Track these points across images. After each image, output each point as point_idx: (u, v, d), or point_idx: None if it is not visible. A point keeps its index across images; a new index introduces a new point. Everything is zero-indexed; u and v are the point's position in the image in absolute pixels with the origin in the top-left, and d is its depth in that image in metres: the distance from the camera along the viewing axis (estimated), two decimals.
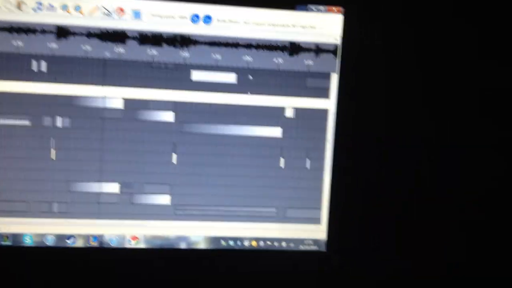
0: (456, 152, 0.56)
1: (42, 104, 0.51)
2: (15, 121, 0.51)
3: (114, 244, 0.53)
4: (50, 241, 0.52)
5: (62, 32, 0.51)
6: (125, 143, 0.52)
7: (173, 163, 0.53)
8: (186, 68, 0.53)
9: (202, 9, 0.52)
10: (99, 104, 0.52)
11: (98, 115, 0.52)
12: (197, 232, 0.54)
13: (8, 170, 0.51)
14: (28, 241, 0.52)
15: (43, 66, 0.51)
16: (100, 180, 0.52)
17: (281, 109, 0.54)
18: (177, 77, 0.53)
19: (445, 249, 0.58)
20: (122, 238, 0.53)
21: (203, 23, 0.52)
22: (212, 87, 0.53)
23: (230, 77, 0.53)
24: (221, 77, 0.53)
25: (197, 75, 0.53)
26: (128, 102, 0.52)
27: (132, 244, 0.53)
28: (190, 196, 0.53)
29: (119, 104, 0.52)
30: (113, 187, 0.52)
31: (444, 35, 0.55)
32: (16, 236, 0.52)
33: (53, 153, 0.52)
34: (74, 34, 0.51)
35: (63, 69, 0.51)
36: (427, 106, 0.56)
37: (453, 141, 0.56)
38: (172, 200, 0.53)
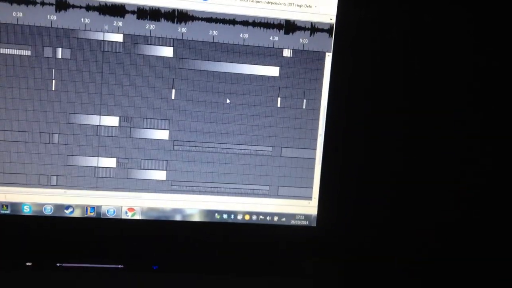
0: (452, 131, 0.58)
1: (44, 34, 0.51)
2: (17, 51, 0.51)
3: (111, 215, 0.54)
4: (48, 211, 0.53)
5: (61, 4, 0.51)
6: (124, 77, 0.53)
7: (171, 98, 0.54)
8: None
9: None
10: (100, 37, 0.52)
11: (98, 48, 0.52)
12: (192, 205, 0.55)
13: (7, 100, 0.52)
14: (27, 210, 0.53)
15: None
16: (99, 113, 0.53)
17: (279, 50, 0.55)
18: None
19: (433, 228, 0.60)
20: (119, 209, 0.55)
21: None
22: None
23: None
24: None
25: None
26: (127, 36, 0.53)
27: (129, 216, 0.55)
28: (187, 133, 0.55)
29: (119, 38, 0.53)
30: (113, 121, 0.53)
31: (440, 17, 0.56)
32: (15, 205, 0.53)
33: (53, 84, 0.52)
34: (73, 6, 0.52)
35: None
36: (418, 84, 0.57)
37: (446, 113, 0.58)
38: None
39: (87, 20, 0.52)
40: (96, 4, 0.52)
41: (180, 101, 0.54)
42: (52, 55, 0.52)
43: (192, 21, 0.53)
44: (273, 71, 0.55)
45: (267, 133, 0.56)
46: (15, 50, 0.51)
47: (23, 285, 0.49)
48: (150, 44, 0.53)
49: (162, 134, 0.54)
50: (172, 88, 0.54)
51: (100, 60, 0.52)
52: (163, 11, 0.53)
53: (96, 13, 0.52)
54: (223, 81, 0.54)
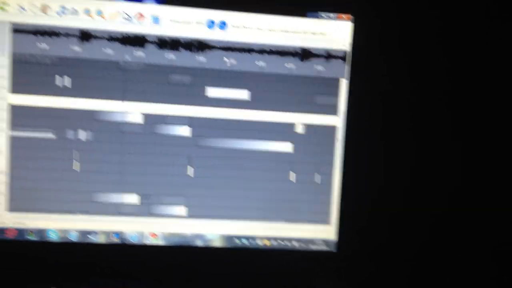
0: (465, 156, 0.59)
1: (66, 117, 0.54)
2: (40, 134, 0.53)
3: (134, 241, 0.56)
4: (73, 237, 0.55)
5: (84, 35, 0.53)
6: (144, 156, 0.55)
7: (188, 175, 0.56)
8: (201, 84, 0.55)
9: (218, 15, 0.55)
10: (120, 118, 0.54)
11: (119, 129, 0.54)
12: (212, 231, 0.56)
13: (33, 180, 0.54)
14: (52, 236, 0.55)
15: (67, 81, 0.53)
16: (120, 191, 0.55)
17: (291, 125, 0.56)
18: (193, 93, 0.55)
19: (453, 249, 0.60)
20: (142, 235, 0.56)
21: (218, 28, 0.55)
22: (226, 103, 0.55)
23: (243, 94, 0.55)
24: (235, 94, 0.55)
25: (212, 92, 0.55)
26: (147, 117, 0.54)
27: (151, 241, 0.56)
28: (204, 208, 0.56)
29: (138, 119, 0.54)
30: (132, 198, 0.55)
31: (454, 40, 0.57)
32: (41, 231, 0.55)
33: (76, 165, 0.54)
34: (96, 37, 0.53)
35: (86, 84, 0.53)
36: (435, 111, 0.58)
37: (464, 145, 0.59)
38: (188, 211, 0.56)
39: (110, 51, 0.54)
40: (118, 35, 0.54)
41: (197, 178, 0.56)
42: (74, 137, 0.54)
43: (210, 49, 0.55)
44: (286, 146, 0.56)
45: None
46: (39, 133, 0.53)
47: None
48: (168, 124, 0.55)
49: (180, 210, 0.56)
50: (188, 165, 0.55)
51: (120, 141, 0.54)
52: (182, 41, 0.54)
53: (118, 43, 0.54)
54: (238, 156, 0.56)
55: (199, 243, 0.56)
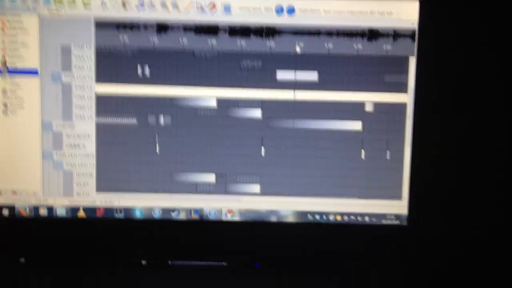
0: None
1: (146, 104, 0.58)
2: (124, 120, 0.58)
3: (212, 217, 0.59)
4: (157, 214, 0.59)
5: (161, 27, 0.57)
6: (219, 138, 0.58)
7: (261, 155, 0.58)
8: (271, 68, 0.57)
9: (286, 1, 0.57)
10: (196, 103, 0.58)
11: (195, 113, 0.58)
12: (285, 207, 0.59)
13: (119, 163, 0.58)
14: (138, 214, 0.59)
15: (147, 70, 0.57)
16: (198, 171, 0.58)
17: (361, 104, 0.58)
18: (264, 77, 0.57)
19: None
20: (219, 211, 0.59)
21: (286, 14, 0.57)
22: (296, 85, 0.57)
23: (312, 76, 0.57)
24: (304, 76, 0.57)
25: (282, 75, 0.57)
26: (220, 101, 0.58)
27: (228, 217, 0.59)
28: (277, 185, 0.59)
29: (213, 103, 0.58)
30: (210, 177, 0.59)
31: None
32: (127, 210, 0.59)
33: (157, 148, 0.58)
34: (172, 28, 0.57)
35: (164, 73, 0.57)
36: (506, 86, 0.58)
37: None
38: (262, 189, 0.59)
39: (185, 40, 0.57)
40: (192, 25, 0.57)
41: (270, 157, 0.58)
42: (155, 122, 0.58)
43: (279, 34, 0.57)
44: (356, 125, 0.58)
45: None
46: (123, 119, 0.58)
47: (140, 281, 0.55)
48: (241, 107, 0.58)
49: (254, 188, 0.59)
50: (261, 146, 0.58)
51: (196, 125, 0.58)
52: (252, 27, 0.57)
53: (192, 33, 0.57)
54: (308, 136, 0.58)
55: (273, 218, 0.59)
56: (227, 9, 0.57)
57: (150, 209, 0.59)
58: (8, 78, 0.57)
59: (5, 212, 0.59)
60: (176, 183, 0.59)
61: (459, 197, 0.59)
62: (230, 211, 0.59)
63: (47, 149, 0.58)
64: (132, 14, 0.57)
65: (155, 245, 0.59)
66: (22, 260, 0.56)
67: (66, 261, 0.57)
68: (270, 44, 0.57)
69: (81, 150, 0.58)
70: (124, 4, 0.57)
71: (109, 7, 0.56)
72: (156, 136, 0.58)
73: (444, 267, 0.60)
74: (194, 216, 0.59)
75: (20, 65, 0.57)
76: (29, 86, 0.57)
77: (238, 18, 0.57)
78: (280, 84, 0.58)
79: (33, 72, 0.57)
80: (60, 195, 0.59)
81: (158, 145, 0.58)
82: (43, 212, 0.59)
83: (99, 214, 0.59)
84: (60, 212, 0.59)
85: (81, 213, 0.59)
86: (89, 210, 0.59)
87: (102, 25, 0.57)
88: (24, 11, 0.56)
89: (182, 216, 0.59)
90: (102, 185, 0.59)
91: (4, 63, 0.57)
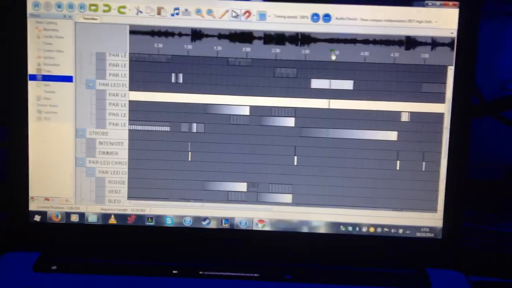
0: None
1: (179, 111, 0.57)
2: (157, 127, 0.58)
3: (243, 226, 0.59)
4: (188, 222, 0.59)
5: (196, 34, 0.57)
6: (251, 146, 0.58)
7: (294, 164, 0.58)
8: (306, 76, 0.57)
9: (322, 8, 0.56)
10: (229, 111, 0.57)
11: (228, 121, 0.57)
12: (317, 218, 0.58)
13: (151, 170, 0.58)
14: (169, 222, 0.59)
15: (180, 77, 0.57)
16: (230, 179, 0.58)
17: (396, 114, 0.57)
18: (298, 85, 0.57)
19: None
20: (250, 221, 0.59)
21: (322, 21, 0.56)
22: (331, 94, 0.57)
23: (347, 84, 0.57)
24: (339, 84, 0.57)
25: (316, 83, 0.57)
26: (253, 109, 0.57)
27: (259, 227, 0.59)
28: (310, 195, 0.58)
29: (246, 111, 0.57)
30: (241, 186, 0.58)
31: None
32: (158, 217, 0.59)
33: (189, 156, 0.58)
34: (206, 36, 0.57)
35: (198, 80, 0.57)
36: None
37: None
38: (294, 199, 0.58)
39: (219, 48, 0.57)
40: (227, 33, 0.56)
41: (302, 167, 0.58)
42: (187, 130, 0.57)
43: (315, 42, 0.56)
44: (391, 135, 0.57)
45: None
46: (155, 126, 0.58)
47: None
48: (274, 115, 0.57)
49: (286, 198, 0.58)
50: (294, 155, 0.57)
51: (229, 133, 0.57)
52: (287, 35, 0.56)
53: (227, 40, 0.57)
54: (342, 146, 0.57)
55: (305, 229, 0.58)
56: (262, 16, 0.56)
57: (181, 217, 0.59)
58: (42, 84, 0.57)
59: (37, 218, 0.59)
60: (208, 192, 0.58)
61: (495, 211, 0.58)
62: (261, 221, 0.59)
63: (80, 156, 0.58)
64: (167, 21, 0.56)
65: (185, 254, 0.58)
66: (54, 267, 0.56)
67: (97, 268, 0.57)
68: (305, 52, 0.56)
69: (114, 157, 0.58)
70: (159, 12, 0.56)
71: (145, 14, 0.56)
72: (189, 144, 0.58)
73: (479, 282, 0.58)
74: (225, 225, 0.59)
75: (54, 72, 0.57)
76: (63, 93, 0.57)
77: (273, 25, 0.56)
78: (315, 92, 0.57)
79: (68, 79, 0.57)
80: (92, 202, 0.59)
81: (191, 153, 0.58)
82: (74, 218, 0.59)
83: (130, 221, 0.59)
84: (92, 219, 0.59)
85: (112, 220, 0.59)
86: (120, 217, 0.59)
87: (136, 33, 0.57)
88: (59, 18, 0.56)
89: (213, 225, 0.59)
90: (134, 193, 0.59)
91: (39, 69, 0.57)
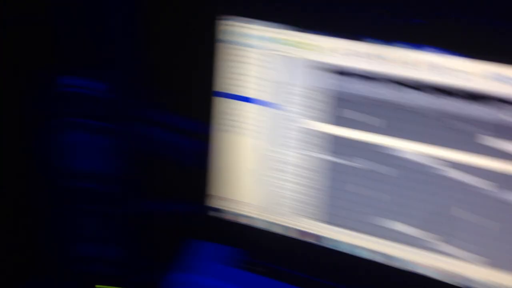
0: None
1: (372, 152, 0.61)
2: (351, 163, 0.63)
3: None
4: (361, 253, 0.66)
5: (400, 83, 0.58)
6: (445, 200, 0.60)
7: (484, 226, 0.58)
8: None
9: (505, 70, 0.53)
10: (420, 160, 0.59)
11: (422, 170, 0.59)
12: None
13: (346, 201, 0.65)
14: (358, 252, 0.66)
15: (379, 121, 0.60)
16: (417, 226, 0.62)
17: None
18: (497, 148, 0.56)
19: None
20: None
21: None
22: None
23: None
24: None
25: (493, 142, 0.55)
26: (447, 162, 0.58)
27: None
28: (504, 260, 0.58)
29: (439, 163, 0.59)
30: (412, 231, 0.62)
31: None
32: (336, 242, 0.67)
33: (382, 195, 0.62)
34: (407, 86, 0.58)
35: (395, 125, 0.60)
36: None
37: None
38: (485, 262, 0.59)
39: (422, 98, 0.57)
40: (429, 84, 0.57)
41: (496, 231, 0.58)
42: (377, 169, 0.62)
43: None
44: None
45: None
46: (351, 162, 0.63)
47: None
48: (468, 173, 0.57)
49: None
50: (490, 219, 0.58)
51: (423, 182, 0.60)
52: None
53: (429, 90, 0.57)
54: None
55: None
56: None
57: (355, 247, 0.65)
58: (235, 103, 0.66)
59: (243, 220, 0.71)
60: (387, 229, 0.63)
61: None
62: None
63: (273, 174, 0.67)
64: (373, 66, 0.59)
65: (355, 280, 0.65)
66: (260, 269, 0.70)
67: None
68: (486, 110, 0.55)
69: (305, 181, 0.66)
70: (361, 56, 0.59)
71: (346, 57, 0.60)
72: (376, 182, 0.62)
73: None
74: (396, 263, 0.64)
75: (248, 95, 0.65)
76: (255, 113, 0.66)
77: (475, 84, 0.55)
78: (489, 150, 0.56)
79: (263, 103, 0.65)
80: (284, 216, 0.68)
81: (383, 192, 0.62)
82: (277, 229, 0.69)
83: (312, 239, 0.67)
84: (277, 229, 0.69)
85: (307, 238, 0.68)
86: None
87: (343, 73, 0.60)
88: (252, 48, 0.64)
89: (381, 258, 0.65)
90: (328, 218, 0.66)
91: (231, 89, 0.66)
